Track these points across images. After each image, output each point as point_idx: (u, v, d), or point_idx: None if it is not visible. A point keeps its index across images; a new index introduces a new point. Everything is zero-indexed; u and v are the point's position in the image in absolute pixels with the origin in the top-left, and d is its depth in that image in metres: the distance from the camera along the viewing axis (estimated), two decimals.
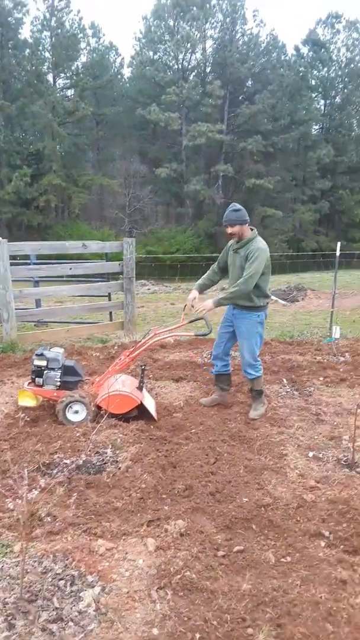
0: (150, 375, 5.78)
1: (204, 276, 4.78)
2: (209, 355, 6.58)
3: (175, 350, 7.02)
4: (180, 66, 39.94)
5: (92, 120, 39.70)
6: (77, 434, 3.95)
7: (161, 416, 4.49)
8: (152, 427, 4.21)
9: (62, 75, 39.38)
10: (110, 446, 3.84)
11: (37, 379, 4.51)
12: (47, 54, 37.49)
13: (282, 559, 2.50)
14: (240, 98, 40.09)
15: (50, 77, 38.35)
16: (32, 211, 35.78)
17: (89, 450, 3.66)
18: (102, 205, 41.82)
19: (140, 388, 4.42)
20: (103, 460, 3.68)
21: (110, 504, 3.01)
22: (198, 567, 2.39)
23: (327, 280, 17.11)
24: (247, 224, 4.36)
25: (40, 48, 36.94)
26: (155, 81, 38.40)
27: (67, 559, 2.45)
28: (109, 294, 8.50)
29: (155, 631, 2.03)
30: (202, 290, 4.69)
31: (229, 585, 2.29)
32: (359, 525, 2.71)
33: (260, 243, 4.32)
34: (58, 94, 37.61)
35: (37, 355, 4.53)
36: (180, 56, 39.56)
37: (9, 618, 2.08)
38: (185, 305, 4.66)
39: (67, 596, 2.22)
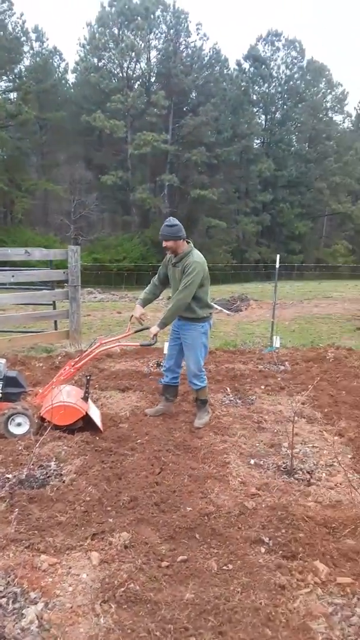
0: (96, 385, 5.75)
1: (145, 290, 4.83)
2: (155, 365, 6.64)
3: (122, 360, 7.02)
4: (125, 74, 40.09)
5: (35, 124, 38.99)
6: (20, 447, 3.87)
7: (107, 427, 4.48)
8: (97, 438, 4.19)
9: (5, 77, 38.48)
10: (54, 459, 3.79)
11: None
12: None
13: (224, 567, 2.57)
14: (184, 109, 40.75)
15: None
16: None
17: (32, 464, 3.59)
18: (47, 210, 41.11)
19: (85, 399, 4.39)
20: (47, 473, 3.63)
21: (53, 518, 2.98)
22: (142, 579, 2.42)
23: (269, 290, 17.62)
24: (182, 240, 4.43)
25: None
26: (100, 88, 38.29)
27: (9, 576, 2.41)
28: (54, 302, 8.38)
29: None
30: (145, 304, 4.75)
31: (173, 595, 2.33)
32: (296, 530, 2.82)
33: (196, 256, 4.42)
34: (0, 97, 36.71)
35: None
36: (125, 64, 39.73)
37: None
38: (132, 316, 4.71)
39: (9, 614, 2.18)
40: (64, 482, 3.47)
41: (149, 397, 5.43)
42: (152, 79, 41.74)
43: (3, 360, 4.63)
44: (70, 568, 2.50)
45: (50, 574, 2.45)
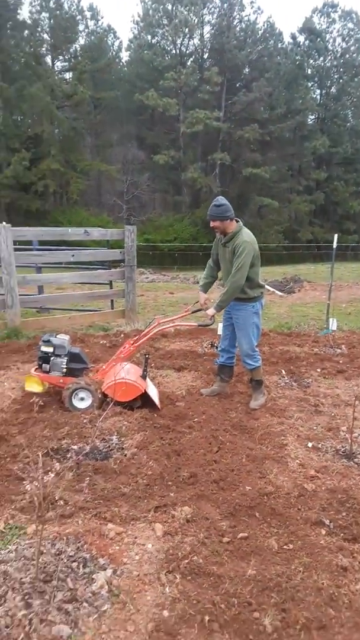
0: (152, 364, 5.87)
1: (203, 276, 4.88)
2: (209, 345, 6.69)
3: (176, 340, 7.10)
4: (178, 51, 39.46)
5: (90, 104, 39.22)
6: (84, 421, 4.03)
7: (164, 405, 4.58)
8: (155, 415, 4.29)
9: (61, 57, 38.86)
10: (115, 433, 3.93)
11: (43, 365, 4.59)
12: (45, 36, 36.97)
13: (285, 546, 2.61)
14: (237, 85, 39.77)
15: (48, 60, 37.85)
16: (30, 196, 35.46)
17: (96, 437, 3.75)
18: (100, 191, 41.56)
19: (144, 377, 4.51)
20: (109, 447, 3.77)
21: (117, 489, 3.10)
22: (205, 553, 2.49)
23: (322, 272, 17.23)
24: (229, 220, 4.38)
25: (39, 29, 36.39)
26: (153, 65, 37.92)
27: (79, 542, 2.54)
28: (111, 281, 8.54)
29: (165, 613, 2.12)
30: (207, 289, 4.80)
31: (235, 570, 2.39)
32: (357, 514, 2.82)
33: (246, 236, 4.37)
34: (56, 77, 37.12)
35: (43, 341, 4.60)
36: (178, 41, 39.05)
37: (26, 597, 2.17)
38: (196, 302, 4.83)
39: (81, 578, 2.32)
40: (125, 455, 3.60)
41: (203, 377, 5.48)
42: (205, 55, 40.91)
43: (67, 337, 4.80)
44: (135, 538, 2.61)
45: (117, 542, 2.57)
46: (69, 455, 3.57)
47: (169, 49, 40.04)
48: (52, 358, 4.57)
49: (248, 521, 2.82)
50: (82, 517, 2.78)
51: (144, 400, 4.50)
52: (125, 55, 43.88)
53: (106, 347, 6.73)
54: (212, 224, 4.41)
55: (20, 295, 7.17)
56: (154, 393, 4.59)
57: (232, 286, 4.33)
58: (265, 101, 37.99)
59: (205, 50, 40.60)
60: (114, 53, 42.68)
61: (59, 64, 39.15)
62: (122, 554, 2.47)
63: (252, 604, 2.16)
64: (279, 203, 38.16)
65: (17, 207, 35.67)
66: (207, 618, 2.07)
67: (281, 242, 33.64)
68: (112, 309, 8.74)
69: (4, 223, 6.76)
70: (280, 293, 12.75)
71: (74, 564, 2.40)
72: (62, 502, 2.88)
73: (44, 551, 2.43)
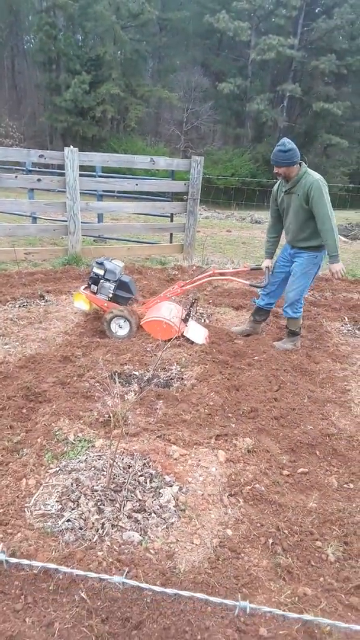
0: (210, 301, 5.86)
1: (267, 239, 4.69)
2: None
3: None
4: None
5: (155, 25, 37.25)
6: (146, 349, 4.12)
7: (223, 341, 4.59)
8: (215, 350, 4.32)
9: None
10: (175, 364, 4.01)
11: (92, 285, 4.69)
12: None
13: (345, 485, 2.64)
14: (316, 11, 36.53)
15: None
16: (88, 121, 34.86)
17: (157, 366, 3.83)
18: (159, 120, 40.27)
19: (185, 320, 4.52)
20: (169, 376, 3.86)
21: (179, 415, 3.19)
22: (266, 482, 2.56)
23: None
24: (295, 165, 4.09)
25: None
26: None
27: (145, 459, 2.66)
28: (172, 214, 8.42)
29: (229, 532, 2.22)
30: (272, 255, 4.67)
31: (295, 501, 2.45)
32: None
33: (315, 175, 4.08)
34: None
35: (97, 263, 4.66)
36: None
37: (99, 503, 2.31)
38: (258, 267, 4.72)
39: (148, 491, 2.44)
40: (185, 385, 3.67)
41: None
42: None
43: (121, 264, 4.83)
44: (199, 461, 2.70)
45: (182, 462, 2.67)
46: (131, 380, 3.69)
47: None
48: (101, 281, 4.65)
49: (308, 458, 2.86)
50: (147, 437, 2.89)
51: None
52: None
53: (163, 281, 6.74)
54: (276, 169, 4.12)
55: (81, 222, 7.19)
56: (199, 335, 4.55)
57: (330, 230, 4.01)
58: (346, 30, 34.81)
59: None
60: None
61: None
62: (186, 474, 2.57)
63: (314, 533, 2.22)
64: (349, 143, 35.87)
65: (74, 132, 35.22)
66: (270, 541, 2.16)
67: (347, 184, 31.93)
68: (171, 242, 8.67)
69: (71, 147, 6.68)
70: (344, 239, 12.25)
71: (141, 478, 2.53)
72: (128, 422, 3.00)
73: (113, 464, 2.56)
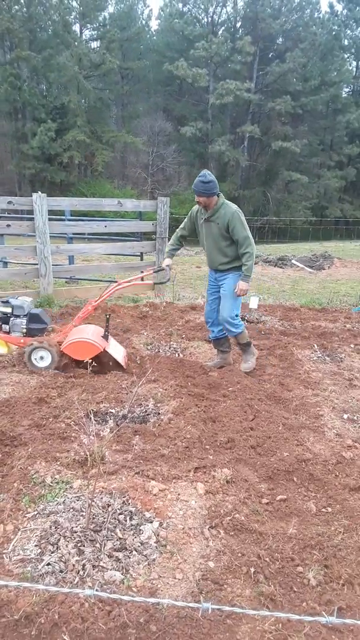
0: (183, 335, 5.94)
1: (170, 243, 4.98)
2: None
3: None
4: (210, 19, 38.55)
5: (117, 74, 38.72)
6: (121, 386, 4.13)
7: (197, 374, 4.64)
8: (190, 383, 4.37)
9: (89, 25, 38.31)
10: (151, 399, 4.02)
11: (3, 325, 4.68)
12: (74, 3, 36.39)
13: (324, 509, 2.67)
14: (270, 56, 38.69)
15: (77, 28, 37.31)
16: (55, 167, 35.50)
17: (133, 402, 3.85)
18: (125, 163, 41.28)
19: (105, 337, 4.57)
20: (146, 411, 3.87)
21: (157, 450, 3.20)
22: (246, 511, 2.58)
23: (352, 249, 16.99)
24: (214, 196, 4.36)
25: None
26: (183, 35, 37.14)
27: (124, 497, 2.65)
28: (141, 253, 8.58)
29: (211, 564, 2.22)
30: (172, 256, 4.94)
31: (275, 529, 2.47)
32: None
33: (233, 206, 4.40)
34: (84, 46, 36.64)
35: (2, 302, 4.68)
36: (211, 9, 38.16)
37: (78, 544, 2.28)
38: (162, 269, 4.93)
39: (128, 529, 2.42)
40: (162, 420, 3.69)
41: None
42: (238, 24, 39.84)
43: (29, 299, 4.88)
44: (179, 494, 2.70)
45: (161, 498, 2.67)
46: (107, 418, 3.68)
47: (200, 17, 39.23)
48: (11, 319, 4.66)
49: (286, 485, 2.89)
50: (126, 475, 2.88)
51: (115, 364, 4.59)
52: (154, 24, 43.25)
53: (136, 318, 6.81)
54: (197, 198, 4.39)
55: (52, 264, 7.26)
56: (118, 353, 4.65)
57: (251, 253, 4.38)
58: (298, 72, 37.00)
59: (238, 18, 39.57)
60: (143, 22, 41.92)
61: (87, 33, 38.73)
62: (166, 509, 2.57)
63: (295, 559, 2.23)
64: (309, 178, 37.41)
65: (42, 178, 35.74)
66: (252, 570, 2.16)
67: (309, 217, 33.06)
68: (142, 280, 8.77)
69: (39, 192, 6.81)
70: (309, 269, 12.62)
71: (121, 517, 2.51)
72: (105, 460, 2.99)
73: (92, 504, 2.54)
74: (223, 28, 39.57)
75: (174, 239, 4.92)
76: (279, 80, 36.88)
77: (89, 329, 4.67)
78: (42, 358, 4.49)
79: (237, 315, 4.69)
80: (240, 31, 38.78)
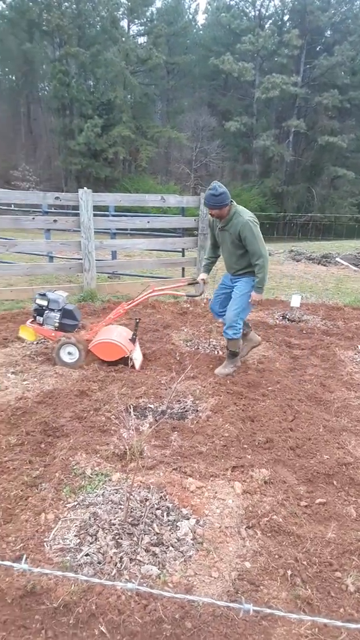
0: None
1: (206, 257, 4.96)
2: (281, 317, 6.64)
3: None
4: (257, 13, 38.03)
5: (163, 69, 38.79)
6: (161, 382, 4.17)
7: (236, 372, 4.62)
8: (229, 382, 4.35)
9: (136, 21, 38.50)
10: (190, 396, 4.04)
11: (37, 317, 4.78)
12: None
13: None
14: (318, 49, 37.81)
15: (124, 24, 37.60)
16: (100, 163, 35.96)
17: (172, 398, 3.87)
18: (169, 159, 41.40)
19: (133, 340, 4.64)
20: (184, 408, 3.89)
21: (195, 448, 3.21)
22: (284, 513, 2.55)
23: None
24: (226, 206, 4.31)
25: None
26: (230, 29, 36.82)
27: (161, 492, 2.68)
28: (183, 249, 8.59)
29: (247, 564, 2.21)
30: (209, 270, 4.91)
31: (314, 532, 2.44)
32: None
33: (245, 214, 4.34)
34: (131, 41, 36.87)
35: (39, 295, 4.78)
36: (258, 2, 37.64)
37: (117, 537, 2.33)
38: (196, 282, 4.88)
39: (165, 524, 2.45)
40: (200, 417, 3.70)
41: (275, 347, 5.47)
42: (285, 17, 39.12)
43: (65, 294, 4.95)
44: (216, 493, 2.71)
45: (198, 495, 2.68)
46: (146, 413, 3.72)
47: (247, 11, 38.74)
48: (46, 312, 4.75)
49: (326, 488, 2.85)
50: (163, 470, 2.91)
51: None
52: (201, 19, 43.03)
53: (176, 314, 6.83)
54: (209, 211, 4.38)
55: (95, 259, 7.37)
56: (138, 359, 4.70)
57: (262, 266, 4.35)
58: (347, 66, 35.97)
59: (285, 12, 38.88)
60: (190, 16, 41.77)
61: (134, 28, 38.94)
62: (203, 507, 2.58)
63: (333, 564, 2.20)
64: (355, 174, 36.40)
65: (87, 174, 36.29)
66: (289, 572, 2.14)
67: (355, 214, 32.21)
68: (183, 277, 8.80)
69: (85, 188, 6.92)
70: (355, 268, 12.31)
71: (158, 512, 2.54)
72: (144, 455, 3.03)
73: (130, 497, 2.58)
74: (270, 21, 38.98)
75: (208, 252, 4.93)
76: (327, 74, 36.01)
77: (118, 330, 4.75)
78: (69, 354, 4.61)
79: (240, 321, 4.63)
80: (287, 24, 38.09)
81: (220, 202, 4.24)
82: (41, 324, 4.76)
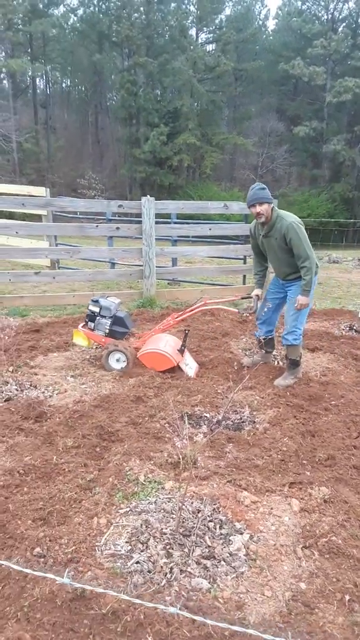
0: None
1: (254, 273, 4.89)
2: (347, 328, 6.39)
3: (310, 320, 6.88)
4: (330, 16, 37.19)
5: (231, 75, 38.82)
6: (217, 391, 4.12)
7: (297, 384, 4.48)
8: (288, 393, 4.23)
9: (205, 29, 38.83)
10: (247, 407, 3.96)
11: (89, 322, 4.84)
12: (192, 8, 37.12)
13: None
14: None
15: (193, 32, 38.06)
16: (165, 170, 36.49)
17: (228, 408, 3.80)
18: (233, 165, 41.29)
19: (181, 351, 4.61)
20: (241, 419, 3.81)
21: (250, 460, 3.13)
22: (344, 535, 2.42)
23: None
24: (270, 204, 4.21)
25: (186, 1, 36.63)
26: (301, 33, 36.27)
27: (214, 504, 2.62)
28: (245, 256, 8.49)
29: (302, 585, 2.11)
30: (261, 285, 4.82)
31: None
32: None
33: (288, 216, 4.22)
34: (199, 49, 37.22)
35: (92, 301, 4.84)
36: (331, 6, 36.77)
37: (167, 547, 2.30)
38: (250, 297, 4.81)
39: (217, 537, 2.39)
40: (257, 429, 3.61)
41: (340, 360, 5.25)
42: None
43: (117, 300, 4.96)
44: (271, 509, 2.62)
45: (253, 510, 2.60)
46: (201, 422, 3.68)
47: (320, 14, 38.00)
48: (97, 318, 4.79)
49: None
50: (217, 482, 2.85)
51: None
52: (271, 24, 42.67)
53: (235, 322, 6.75)
54: (258, 208, 4.21)
55: (156, 266, 7.44)
56: (191, 369, 4.66)
57: (309, 268, 4.19)
58: None
59: None
60: (260, 22, 41.58)
61: (202, 36, 39.25)
62: (258, 522, 2.50)
63: None
64: None
65: (152, 182, 36.92)
66: (347, 597, 2.03)
67: None
68: (244, 284, 8.70)
69: (148, 196, 7.02)
70: None
71: (211, 524, 2.48)
72: (197, 465, 2.99)
73: (183, 507, 2.54)
74: (344, 24, 37.99)
75: (256, 265, 4.86)
76: None
77: (167, 339, 4.76)
78: (118, 360, 4.68)
79: (300, 326, 4.49)
80: None
81: (265, 196, 4.19)
82: (92, 329, 4.87)
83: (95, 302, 4.85)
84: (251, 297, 4.77)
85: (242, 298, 5.08)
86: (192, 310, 4.96)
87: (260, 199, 4.20)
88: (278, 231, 4.24)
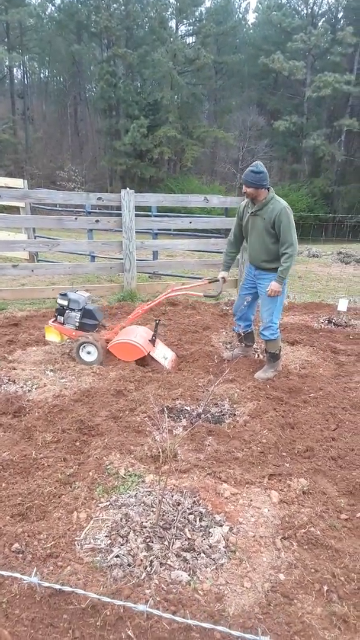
0: None
1: (226, 252, 4.84)
2: (326, 321, 6.45)
3: (289, 314, 6.93)
4: (309, 11, 37.30)
5: (211, 69, 38.71)
6: (198, 384, 4.12)
7: (277, 377, 4.51)
8: (268, 386, 4.26)
9: (185, 21, 38.59)
10: (227, 400, 3.97)
11: (59, 317, 4.84)
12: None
13: None
14: None
15: (172, 24, 37.76)
16: (145, 163, 36.29)
17: (208, 401, 3.81)
18: (214, 159, 41.26)
19: (152, 341, 4.63)
20: (221, 411, 3.83)
21: (230, 453, 3.14)
22: (322, 526, 2.45)
23: None
24: (264, 188, 4.18)
25: None
26: (281, 27, 36.31)
27: (194, 497, 2.63)
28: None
29: (281, 576, 2.13)
30: (228, 268, 4.82)
31: (354, 547, 2.33)
32: None
33: (283, 202, 4.19)
34: (179, 42, 36.99)
35: (61, 295, 4.83)
36: (311, 0, 36.86)
37: (147, 540, 2.29)
38: (215, 279, 4.85)
39: (197, 530, 2.40)
40: (237, 422, 3.62)
41: (319, 352, 5.30)
42: (340, 15, 38.20)
43: (86, 294, 4.97)
44: (251, 500, 2.63)
45: (232, 502, 2.62)
46: (182, 416, 3.68)
47: (299, 9, 38.08)
48: (67, 311, 4.79)
49: None
50: (197, 474, 2.86)
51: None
52: (251, 18, 42.68)
53: (216, 315, 6.77)
54: (245, 189, 4.23)
55: (136, 259, 7.40)
56: (166, 357, 4.70)
57: (290, 255, 4.19)
58: None
59: (340, 9, 37.92)
60: (240, 15, 41.48)
61: (182, 28, 39.04)
62: (237, 514, 2.51)
63: None
64: None
65: (132, 174, 36.68)
66: (325, 588, 2.05)
67: None
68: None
69: (127, 189, 6.96)
70: None
71: (191, 517, 2.49)
72: (178, 458, 2.99)
73: (163, 500, 2.54)
74: (323, 19, 38.19)
75: (230, 245, 4.80)
76: None
77: (138, 330, 4.78)
78: (89, 353, 4.66)
79: (276, 320, 4.50)
80: (341, 22, 37.19)
81: (258, 181, 4.14)
82: (62, 323, 4.84)
83: (64, 295, 4.82)
84: (217, 281, 4.79)
85: (210, 282, 5.06)
86: (159, 299, 4.98)
87: (247, 182, 4.19)
88: (269, 212, 4.20)
